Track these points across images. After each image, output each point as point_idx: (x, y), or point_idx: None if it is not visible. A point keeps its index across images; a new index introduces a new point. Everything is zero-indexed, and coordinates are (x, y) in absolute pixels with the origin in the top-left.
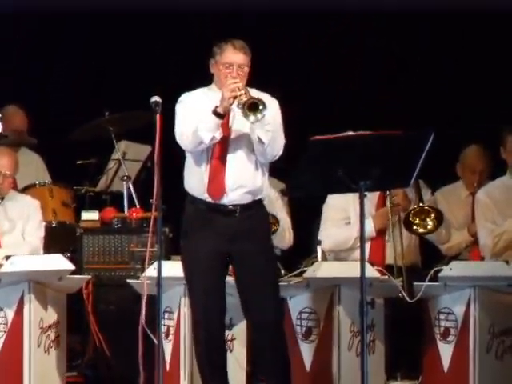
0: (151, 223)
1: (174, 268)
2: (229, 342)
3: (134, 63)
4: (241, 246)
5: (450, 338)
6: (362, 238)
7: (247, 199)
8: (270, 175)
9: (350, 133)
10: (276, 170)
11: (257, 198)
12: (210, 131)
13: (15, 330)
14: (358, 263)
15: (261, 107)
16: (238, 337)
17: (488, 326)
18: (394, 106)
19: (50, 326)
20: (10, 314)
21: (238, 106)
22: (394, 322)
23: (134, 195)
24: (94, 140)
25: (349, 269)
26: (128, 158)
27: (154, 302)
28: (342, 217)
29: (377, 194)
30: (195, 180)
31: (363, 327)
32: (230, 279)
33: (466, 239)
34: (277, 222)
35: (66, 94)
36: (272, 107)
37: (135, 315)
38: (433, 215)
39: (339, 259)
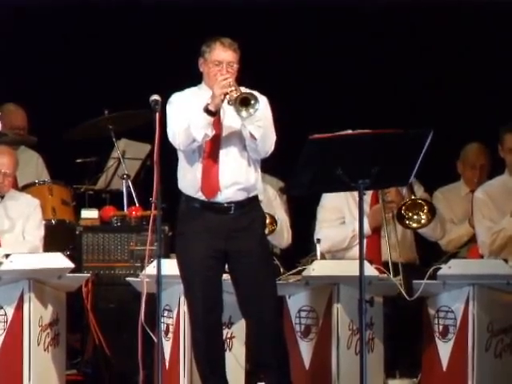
0: (151, 221)
1: (173, 266)
2: (228, 341)
3: (134, 62)
4: (236, 244)
5: (449, 336)
6: (360, 236)
7: (242, 196)
8: (269, 174)
9: (349, 131)
10: (276, 168)
11: (251, 194)
12: (202, 129)
13: (15, 328)
14: (357, 261)
15: (252, 102)
16: (236, 335)
17: (487, 324)
18: (392, 105)
19: (49, 324)
20: (10, 312)
21: (229, 102)
22: (392, 320)
23: (133, 193)
24: (93, 138)
25: (348, 267)
26: (127, 156)
27: (153, 300)
28: (337, 217)
29: (370, 192)
30: (189, 179)
31: (362, 325)
32: (227, 277)
33: (468, 232)
34: (275, 221)
35: (65, 92)
36: (261, 104)
37: (135, 313)
38: (425, 209)
39: (336, 258)
